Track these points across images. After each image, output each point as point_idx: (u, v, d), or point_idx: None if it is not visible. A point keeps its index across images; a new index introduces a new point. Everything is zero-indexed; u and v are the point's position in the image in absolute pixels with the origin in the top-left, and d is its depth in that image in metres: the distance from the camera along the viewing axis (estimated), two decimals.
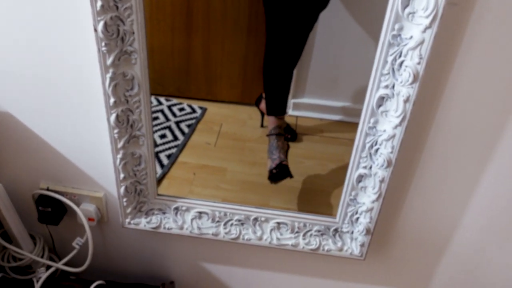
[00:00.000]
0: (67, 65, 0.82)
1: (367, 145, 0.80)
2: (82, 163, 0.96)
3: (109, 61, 0.73)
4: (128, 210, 0.94)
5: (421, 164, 0.86)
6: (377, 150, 0.79)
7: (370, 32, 0.71)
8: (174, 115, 1.05)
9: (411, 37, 0.66)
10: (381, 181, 0.81)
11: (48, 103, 0.87)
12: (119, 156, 0.85)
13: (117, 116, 0.80)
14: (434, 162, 0.85)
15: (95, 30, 0.69)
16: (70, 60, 0.81)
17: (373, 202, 0.84)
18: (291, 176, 1.01)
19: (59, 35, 0.78)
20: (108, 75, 0.75)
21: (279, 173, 1.00)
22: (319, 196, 1.01)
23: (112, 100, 0.77)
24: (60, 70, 0.82)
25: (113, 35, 0.71)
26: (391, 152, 0.77)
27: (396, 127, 0.74)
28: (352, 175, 0.84)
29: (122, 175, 0.87)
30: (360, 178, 0.84)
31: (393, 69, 0.70)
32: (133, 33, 0.73)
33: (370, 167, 0.82)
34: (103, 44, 0.71)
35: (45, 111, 0.88)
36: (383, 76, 0.72)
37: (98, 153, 0.92)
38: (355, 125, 0.79)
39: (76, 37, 0.78)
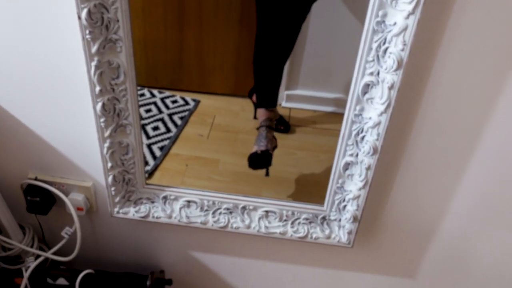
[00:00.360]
0: (52, 54, 0.81)
1: (353, 133, 0.80)
2: (70, 153, 0.96)
3: (93, 49, 0.73)
4: (117, 199, 0.94)
5: (407, 151, 0.86)
6: (363, 137, 0.79)
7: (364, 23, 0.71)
8: (167, 107, 1.05)
9: (395, 23, 0.66)
10: (368, 168, 0.81)
11: (35, 93, 0.87)
12: (106, 145, 0.85)
13: (103, 105, 0.79)
14: (420, 149, 0.85)
15: (79, 17, 0.69)
16: (56, 49, 0.81)
17: (359, 189, 0.84)
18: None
19: (44, 24, 0.78)
20: (93, 63, 0.74)
21: (261, 157, 0.99)
22: (311, 186, 1.01)
23: (97, 88, 0.77)
24: (46, 59, 0.82)
25: (97, 23, 0.71)
26: (377, 139, 0.77)
27: (381, 114, 0.74)
28: (338, 163, 0.84)
29: (109, 164, 0.87)
30: (347, 166, 0.84)
31: (377, 56, 0.70)
32: (118, 20, 0.72)
33: (357, 155, 0.82)
34: (87, 32, 0.71)
35: (32, 101, 0.88)
36: (368, 63, 0.72)
37: (85, 143, 0.92)
38: None
39: (61, 25, 0.77)
